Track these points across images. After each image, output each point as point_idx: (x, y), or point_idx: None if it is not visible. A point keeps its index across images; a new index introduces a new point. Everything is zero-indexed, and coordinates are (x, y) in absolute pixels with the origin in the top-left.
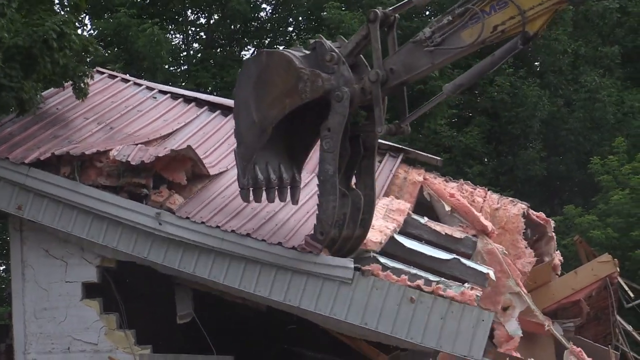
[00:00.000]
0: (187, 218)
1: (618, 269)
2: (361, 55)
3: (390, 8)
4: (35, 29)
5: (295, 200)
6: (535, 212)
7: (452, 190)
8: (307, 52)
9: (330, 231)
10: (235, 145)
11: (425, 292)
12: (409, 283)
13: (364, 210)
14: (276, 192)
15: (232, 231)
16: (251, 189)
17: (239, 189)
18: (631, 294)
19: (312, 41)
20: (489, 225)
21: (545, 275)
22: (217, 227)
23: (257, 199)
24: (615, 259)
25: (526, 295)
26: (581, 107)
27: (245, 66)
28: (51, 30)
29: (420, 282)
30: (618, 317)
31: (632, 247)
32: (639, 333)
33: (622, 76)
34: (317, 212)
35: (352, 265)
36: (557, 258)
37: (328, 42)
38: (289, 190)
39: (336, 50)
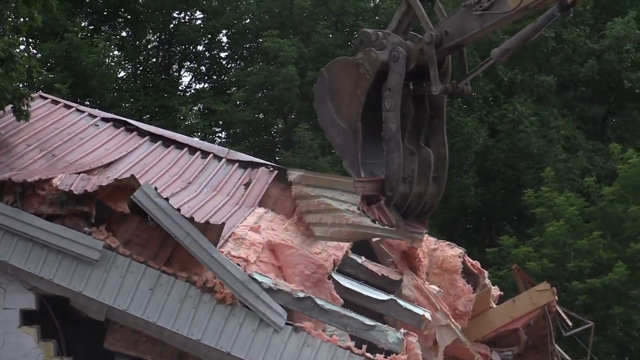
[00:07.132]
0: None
1: (556, 298)
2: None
3: None
4: None
5: None
6: (471, 260)
7: None
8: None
9: (399, 187)
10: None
11: (356, 355)
12: (339, 344)
13: (436, 167)
14: None
15: None
16: None
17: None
18: (569, 323)
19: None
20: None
21: (484, 303)
22: None
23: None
24: (554, 288)
25: (455, 326)
26: (506, 136)
27: (315, 92)
28: None
29: (351, 344)
30: (556, 346)
31: (568, 278)
32: None
33: (559, 104)
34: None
35: (285, 316)
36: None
37: (369, 30)
38: None
39: (380, 30)
